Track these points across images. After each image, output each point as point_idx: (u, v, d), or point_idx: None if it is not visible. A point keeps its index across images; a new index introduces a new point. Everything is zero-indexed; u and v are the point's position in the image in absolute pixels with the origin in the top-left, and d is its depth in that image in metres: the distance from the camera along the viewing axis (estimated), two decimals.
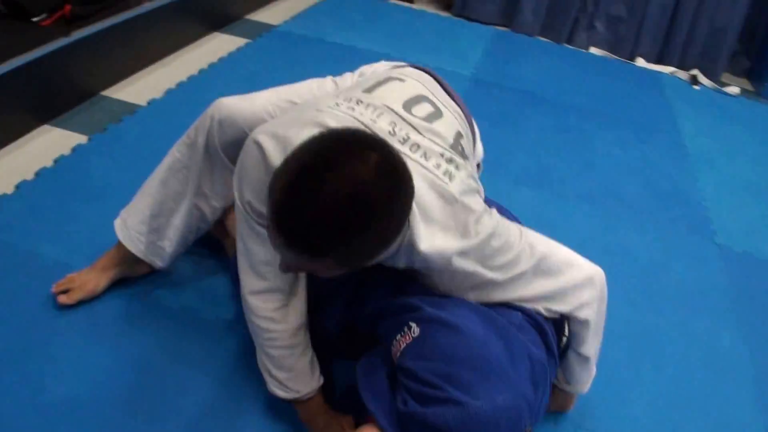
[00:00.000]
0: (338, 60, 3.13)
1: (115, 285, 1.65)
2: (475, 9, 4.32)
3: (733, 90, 4.07)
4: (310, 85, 1.57)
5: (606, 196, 2.57)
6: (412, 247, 1.15)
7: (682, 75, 4.16)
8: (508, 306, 1.28)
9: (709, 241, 2.48)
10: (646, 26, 4.18)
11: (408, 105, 1.30)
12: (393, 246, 1.12)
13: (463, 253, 1.18)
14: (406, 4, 4.35)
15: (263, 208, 1.19)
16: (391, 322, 1.25)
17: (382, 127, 1.21)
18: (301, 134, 1.10)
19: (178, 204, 1.58)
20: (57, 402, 1.38)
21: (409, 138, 1.22)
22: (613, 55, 4.25)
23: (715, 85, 4.09)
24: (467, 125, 1.44)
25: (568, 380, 1.47)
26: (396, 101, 1.29)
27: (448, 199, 1.17)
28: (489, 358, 1.14)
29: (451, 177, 1.20)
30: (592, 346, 1.36)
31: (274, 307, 1.31)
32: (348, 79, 1.58)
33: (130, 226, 1.61)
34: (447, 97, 1.43)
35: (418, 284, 1.32)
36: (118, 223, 1.63)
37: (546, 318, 1.30)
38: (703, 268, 2.31)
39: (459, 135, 1.33)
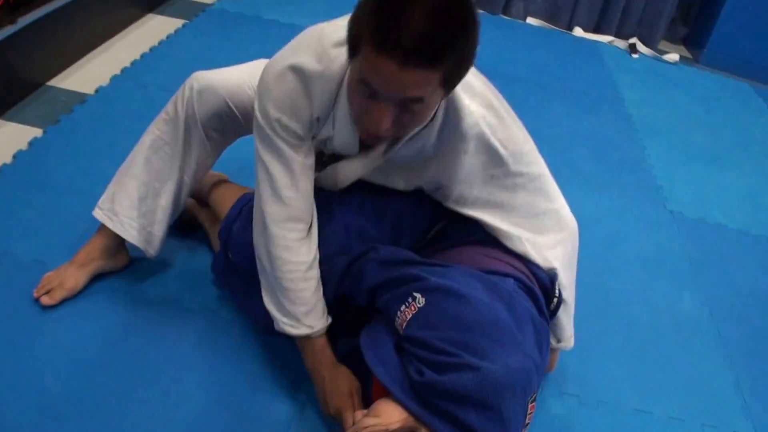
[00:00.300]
0: (280, 38, 3.04)
1: (95, 280, 1.61)
2: None
3: (672, 57, 4.19)
4: None
5: (559, 166, 2.57)
6: (455, 106, 1.24)
7: (621, 44, 4.25)
8: (499, 273, 1.30)
9: (661, 207, 2.56)
10: None
11: None
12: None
13: (490, 123, 1.28)
14: None
15: (296, 124, 1.25)
16: (393, 294, 1.24)
17: None
18: (327, 37, 1.21)
19: (163, 183, 1.55)
20: (52, 400, 1.35)
21: None
22: (551, 26, 4.30)
23: (654, 53, 4.19)
24: None
25: (558, 338, 1.52)
26: None
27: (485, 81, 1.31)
28: (497, 323, 1.16)
29: None
30: (570, 290, 1.45)
31: (295, 237, 1.32)
32: None
33: (120, 213, 1.55)
34: None
35: (413, 254, 1.35)
36: (101, 213, 1.57)
37: (535, 282, 1.34)
38: (659, 235, 2.39)
39: None
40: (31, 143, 2.03)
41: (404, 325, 1.20)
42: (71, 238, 1.70)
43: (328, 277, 1.38)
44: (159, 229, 1.58)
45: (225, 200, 1.62)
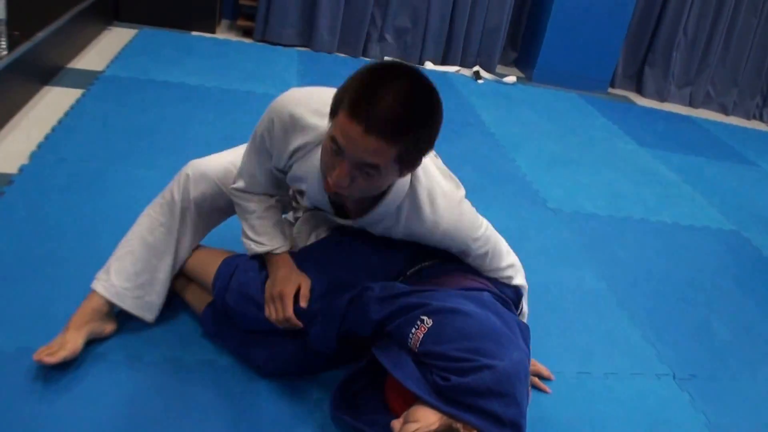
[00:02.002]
0: (178, 99, 3.15)
1: (89, 349, 1.62)
2: (275, 33, 4.49)
3: (510, 79, 4.66)
4: None
5: None
6: (424, 188, 1.48)
7: (466, 72, 4.67)
8: (477, 289, 1.53)
9: (543, 207, 2.91)
10: (430, 33, 4.64)
11: None
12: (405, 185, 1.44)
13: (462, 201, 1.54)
14: (209, 35, 4.40)
15: (271, 149, 1.50)
16: (401, 321, 1.41)
17: None
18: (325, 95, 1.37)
19: (160, 259, 1.68)
20: None
21: None
22: (404, 61, 4.64)
23: (495, 77, 4.65)
24: None
25: None
26: None
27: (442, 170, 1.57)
28: (494, 329, 1.38)
29: None
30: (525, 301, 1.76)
31: (253, 199, 1.62)
32: None
33: (117, 285, 1.64)
34: None
35: (402, 285, 1.52)
36: (98, 284, 1.64)
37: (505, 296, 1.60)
38: (549, 230, 2.72)
39: None
40: None
41: (418, 344, 1.37)
42: (49, 319, 1.69)
43: (329, 315, 1.52)
44: (157, 298, 1.70)
45: (205, 265, 1.73)
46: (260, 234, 1.62)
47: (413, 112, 1.22)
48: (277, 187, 1.63)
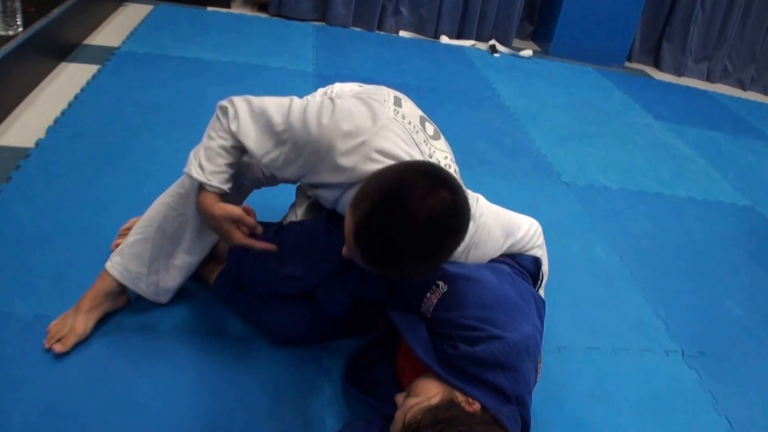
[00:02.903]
0: (194, 73, 3.13)
1: (99, 321, 1.62)
2: (290, 8, 4.43)
3: (526, 53, 4.58)
4: None
5: (468, 158, 2.86)
6: None
7: (482, 46, 4.59)
8: (495, 262, 1.51)
9: (557, 181, 2.86)
10: (445, 7, 4.55)
11: (422, 121, 1.51)
12: None
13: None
14: (224, 10, 4.35)
15: (292, 165, 1.42)
16: (416, 284, 1.39)
17: (422, 148, 1.44)
18: (377, 139, 1.34)
19: (176, 247, 1.64)
20: None
21: (433, 154, 1.46)
22: (420, 36, 4.58)
23: (511, 51, 4.57)
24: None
25: None
26: (416, 118, 1.49)
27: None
28: (509, 300, 1.35)
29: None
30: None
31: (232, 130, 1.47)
32: (320, 96, 1.72)
33: (131, 269, 1.62)
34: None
35: None
36: (113, 267, 1.62)
37: (524, 269, 1.56)
38: (562, 203, 2.68)
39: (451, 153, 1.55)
40: None
41: (432, 309, 1.35)
42: (66, 287, 1.70)
43: (344, 278, 1.51)
44: (173, 283, 1.67)
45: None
46: (212, 163, 1.47)
47: (417, 252, 1.18)
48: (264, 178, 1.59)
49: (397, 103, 1.48)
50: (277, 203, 1.86)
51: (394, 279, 1.42)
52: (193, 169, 1.47)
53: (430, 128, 1.53)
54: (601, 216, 2.63)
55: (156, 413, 1.44)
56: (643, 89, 4.45)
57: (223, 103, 1.50)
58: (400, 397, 1.32)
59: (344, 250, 1.29)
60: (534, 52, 4.69)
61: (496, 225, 1.52)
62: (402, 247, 1.16)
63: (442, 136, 1.57)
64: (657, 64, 5.14)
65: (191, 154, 1.50)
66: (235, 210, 1.47)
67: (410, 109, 1.51)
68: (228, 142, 1.46)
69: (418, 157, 1.39)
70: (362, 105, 1.41)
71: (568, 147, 3.23)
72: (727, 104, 4.60)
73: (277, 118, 1.42)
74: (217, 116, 1.49)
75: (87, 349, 1.56)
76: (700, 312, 2.17)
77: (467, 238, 1.37)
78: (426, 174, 1.20)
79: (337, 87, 1.76)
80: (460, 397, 1.25)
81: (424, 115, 1.55)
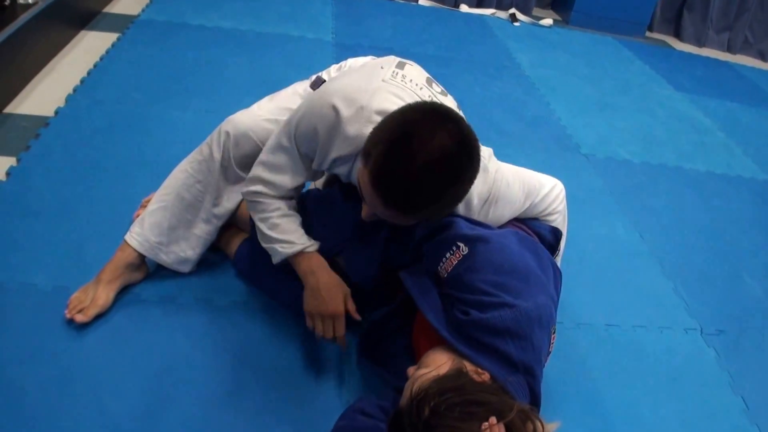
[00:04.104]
0: (213, 42, 3.05)
1: (120, 293, 1.60)
2: None
3: (547, 22, 4.44)
4: (296, 88, 1.66)
5: (486, 128, 2.78)
6: None
7: (502, 15, 4.46)
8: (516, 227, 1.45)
9: (577, 153, 2.77)
10: None
11: (429, 81, 1.45)
12: None
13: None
14: None
15: (310, 153, 1.40)
16: (438, 242, 1.34)
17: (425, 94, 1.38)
18: (375, 101, 1.29)
19: (196, 216, 1.62)
20: (121, 420, 1.33)
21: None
22: (440, 4, 4.45)
23: (531, 20, 4.43)
24: None
25: None
26: (422, 78, 1.43)
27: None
28: (527, 268, 1.29)
29: None
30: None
31: (274, 201, 1.45)
32: (334, 71, 1.67)
33: (151, 239, 1.59)
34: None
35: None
36: (132, 238, 1.59)
37: (542, 239, 1.49)
38: (582, 177, 2.59)
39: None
40: (9, 172, 1.94)
41: (449, 269, 1.30)
42: (85, 259, 1.67)
43: (371, 243, 1.47)
44: (193, 253, 1.64)
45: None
46: (287, 232, 1.44)
47: (436, 187, 1.16)
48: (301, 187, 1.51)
49: (400, 66, 1.44)
50: None
51: (417, 224, 1.37)
52: (280, 251, 1.44)
53: (437, 87, 1.48)
54: (622, 190, 2.54)
55: (174, 385, 1.42)
56: (663, 60, 4.30)
57: (246, 190, 1.47)
58: (411, 369, 1.29)
59: (364, 211, 1.28)
60: (554, 21, 4.55)
61: (516, 180, 1.44)
62: (420, 183, 1.14)
63: (449, 96, 1.51)
64: (678, 35, 4.97)
65: (266, 246, 1.48)
66: (347, 288, 1.45)
67: (414, 71, 1.46)
68: (282, 208, 1.45)
69: None
70: (355, 74, 1.40)
71: (589, 118, 3.13)
72: (747, 75, 4.44)
73: (284, 141, 1.42)
74: (253, 202, 1.47)
75: (106, 321, 1.53)
76: (720, 290, 2.10)
77: (485, 191, 1.36)
78: (430, 111, 1.19)
79: (350, 61, 1.70)
80: (469, 367, 1.21)
81: (431, 77, 1.50)
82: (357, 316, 1.45)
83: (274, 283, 1.62)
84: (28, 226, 1.75)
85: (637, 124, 3.18)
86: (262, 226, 1.46)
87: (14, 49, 2.37)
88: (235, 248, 1.71)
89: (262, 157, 1.46)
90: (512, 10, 4.43)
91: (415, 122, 1.15)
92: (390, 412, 1.31)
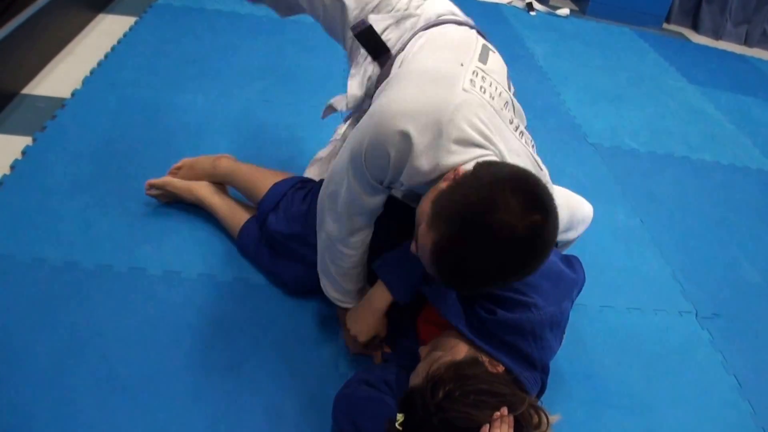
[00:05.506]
0: (229, 27, 3.10)
1: (128, 260, 1.66)
2: None
3: (563, 12, 4.44)
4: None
5: None
6: None
7: (519, 4, 4.46)
8: None
9: (584, 142, 2.79)
10: None
11: (508, 79, 1.37)
12: None
13: None
14: None
15: (382, 177, 1.21)
16: None
17: (505, 114, 1.26)
18: (454, 127, 1.12)
19: None
20: (129, 382, 1.39)
21: (519, 127, 1.31)
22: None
23: (548, 9, 4.43)
24: None
25: None
26: (503, 75, 1.33)
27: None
28: (560, 272, 1.34)
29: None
30: None
31: (359, 241, 1.37)
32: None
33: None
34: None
35: None
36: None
37: None
38: (587, 165, 2.62)
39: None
40: (25, 152, 1.99)
41: None
42: (96, 236, 1.73)
43: (410, 268, 1.42)
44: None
45: (257, 180, 1.74)
46: (350, 282, 1.44)
47: (501, 273, 1.06)
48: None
49: (483, 57, 1.28)
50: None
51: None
52: (340, 301, 1.49)
53: (512, 87, 1.34)
54: (626, 179, 2.56)
55: (177, 358, 1.47)
56: (679, 52, 4.29)
57: (325, 236, 1.39)
58: (423, 350, 1.32)
59: (413, 246, 1.16)
60: (571, 11, 4.54)
61: (564, 209, 1.36)
62: (483, 271, 1.05)
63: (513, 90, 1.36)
64: (695, 27, 4.94)
65: (329, 286, 1.49)
66: (384, 328, 1.47)
67: (497, 63, 1.31)
68: (356, 251, 1.39)
69: (501, 147, 1.18)
70: (426, 77, 1.21)
71: (599, 108, 3.14)
72: (763, 69, 4.41)
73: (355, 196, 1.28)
74: (326, 246, 1.41)
75: (111, 293, 1.58)
76: (718, 275, 2.12)
77: None
78: (518, 191, 1.02)
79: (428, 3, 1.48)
80: (484, 358, 1.24)
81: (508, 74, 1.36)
82: (376, 360, 1.48)
83: (272, 264, 1.68)
84: (41, 203, 1.81)
85: (646, 116, 3.19)
86: (328, 275, 1.46)
87: (33, 31, 2.43)
88: (239, 226, 1.76)
89: (327, 197, 1.34)
90: None
91: (495, 205, 1.00)
92: (393, 386, 1.36)
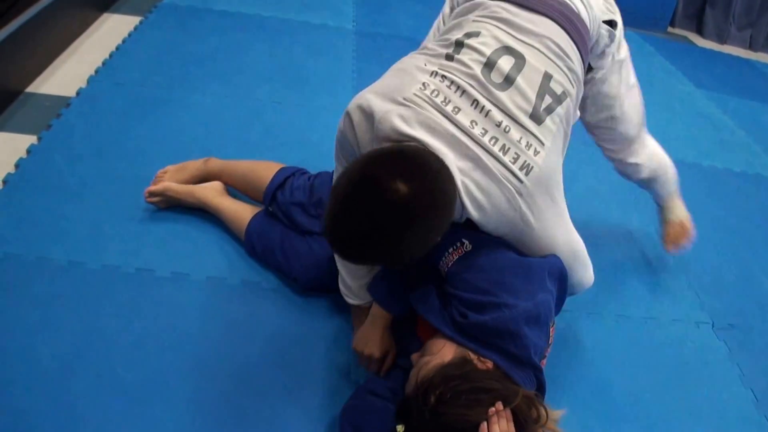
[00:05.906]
0: (235, 27, 3.07)
1: (135, 262, 1.63)
2: None
3: None
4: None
5: None
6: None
7: None
8: None
9: (594, 147, 2.75)
10: None
11: (489, 66, 1.24)
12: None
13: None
14: None
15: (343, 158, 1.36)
16: (442, 237, 1.28)
17: (461, 121, 1.20)
18: (383, 109, 1.20)
19: None
20: (130, 389, 1.36)
21: (487, 131, 1.20)
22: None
23: None
24: (568, 51, 1.35)
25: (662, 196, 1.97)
26: (478, 66, 1.24)
27: (512, 203, 1.21)
28: (526, 263, 1.28)
29: (528, 170, 1.21)
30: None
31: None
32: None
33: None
34: (540, 20, 1.33)
35: None
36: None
37: None
38: (601, 171, 2.55)
39: (547, 77, 1.27)
40: (30, 150, 1.96)
41: (450, 264, 1.29)
42: (101, 235, 1.69)
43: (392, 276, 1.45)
44: None
45: (260, 170, 1.77)
46: (350, 277, 1.49)
47: (380, 239, 1.09)
48: None
49: (458, 49, 1.26)
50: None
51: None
52: (351, 299, 1.52)
53: (498, 75, 1.23)
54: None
55: (183, 362, 1.44)
56: (684, 56, 4.26)
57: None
58: (415, 356, 1.30)
59: None
60: None
61: (568, 257, 1.36)
62: (363, 236, 1.10)
63: (520, 79, 1.24)
64: (699, 30, 4.92)
65: (346, 290, 1.52)
66: (394, 349, 1.48)
67: (473, 55, 1.25)
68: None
69: (424, 139, 1.18)
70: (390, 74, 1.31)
71: None
72: None
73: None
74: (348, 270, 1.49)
75: (117, 294, 1.55)
76: (734, 285, 2.09)
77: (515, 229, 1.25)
78: (387, 163, 1.13)
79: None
80: (472, 356, 1.22)
81: (507, 47, 1.26)
82: (414, 357, 1.44)
83: (281, 257, 1.65)
84: (46, 202, 1.78)
85: (655, 121, 3.13)
86: (344, 280, 1.51)
87: (38, 30, 2.39)
88: (245, 225, 1.73)
89: None
90: None
91: (374, 177, 1.10)
92: (399, 393, 1.34)
